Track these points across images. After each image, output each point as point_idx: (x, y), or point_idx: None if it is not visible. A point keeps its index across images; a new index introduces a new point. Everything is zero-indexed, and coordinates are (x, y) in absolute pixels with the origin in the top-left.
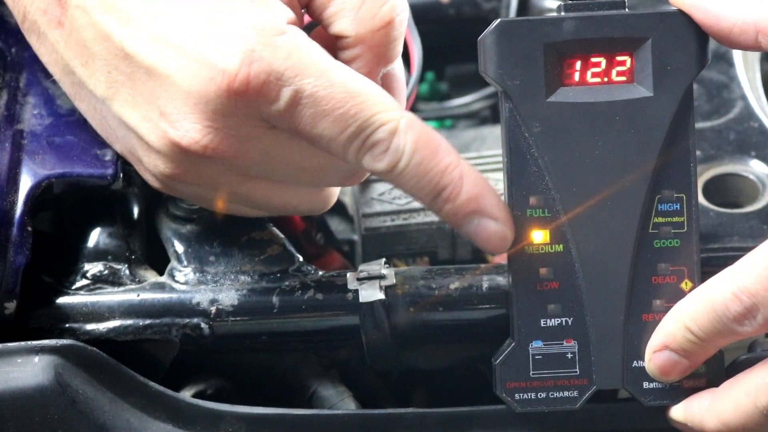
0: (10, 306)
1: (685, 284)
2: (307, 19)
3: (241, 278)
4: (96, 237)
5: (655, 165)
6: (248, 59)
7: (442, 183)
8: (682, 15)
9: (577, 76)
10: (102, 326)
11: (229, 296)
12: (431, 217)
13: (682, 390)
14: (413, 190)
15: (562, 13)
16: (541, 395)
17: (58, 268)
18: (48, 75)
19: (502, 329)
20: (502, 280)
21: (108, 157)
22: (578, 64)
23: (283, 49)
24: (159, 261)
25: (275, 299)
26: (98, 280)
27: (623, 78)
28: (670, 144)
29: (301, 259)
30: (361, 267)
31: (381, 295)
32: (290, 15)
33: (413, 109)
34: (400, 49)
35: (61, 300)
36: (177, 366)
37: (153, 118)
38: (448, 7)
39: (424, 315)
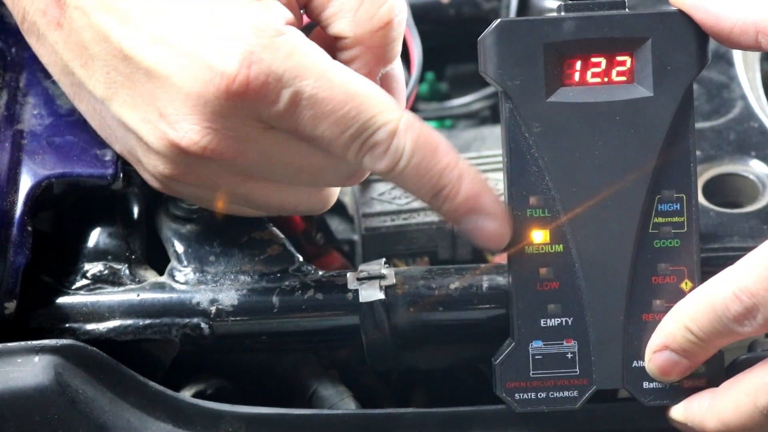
0: (10, 306)
1: (685, 284)
2: (305, 20)
3: (241, 278)
4: (96, 237)
5: (655, 165)
6: (247, 61)
7: (441, 182)
8: (682, 15)
9: (577, 76)
10: (102, 326)
11: (229, 296)
12: (431, 217)
13: (682, 390)
14: (413, 189)
15: (562, 13)
16: (541, 395)
17: (58, 268)
18: (48, 75)
19: (502, 329)
20: (502, 280)
21: (108, 157)
22: (578, 64)
23: (283, 50)
24: (159, 261)
25: (275, 299)
26: (98, 280)
27: (623, 78)
28: (670, 144)
29: (301, 259)
30: (361, 267)
31: (381, 295)
32: (289, 16)
33: (413, 109)
34: (399, 49)
35: (61, 300)
36: (177, 366)
37: (152, 119)
38: (448, 7)
39: (424, 315)
